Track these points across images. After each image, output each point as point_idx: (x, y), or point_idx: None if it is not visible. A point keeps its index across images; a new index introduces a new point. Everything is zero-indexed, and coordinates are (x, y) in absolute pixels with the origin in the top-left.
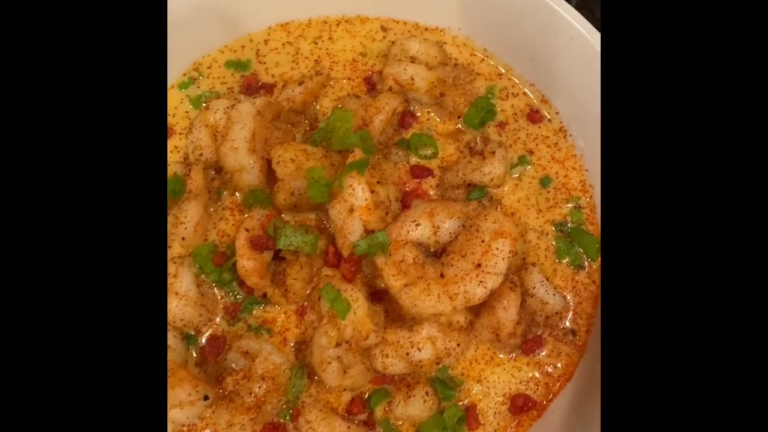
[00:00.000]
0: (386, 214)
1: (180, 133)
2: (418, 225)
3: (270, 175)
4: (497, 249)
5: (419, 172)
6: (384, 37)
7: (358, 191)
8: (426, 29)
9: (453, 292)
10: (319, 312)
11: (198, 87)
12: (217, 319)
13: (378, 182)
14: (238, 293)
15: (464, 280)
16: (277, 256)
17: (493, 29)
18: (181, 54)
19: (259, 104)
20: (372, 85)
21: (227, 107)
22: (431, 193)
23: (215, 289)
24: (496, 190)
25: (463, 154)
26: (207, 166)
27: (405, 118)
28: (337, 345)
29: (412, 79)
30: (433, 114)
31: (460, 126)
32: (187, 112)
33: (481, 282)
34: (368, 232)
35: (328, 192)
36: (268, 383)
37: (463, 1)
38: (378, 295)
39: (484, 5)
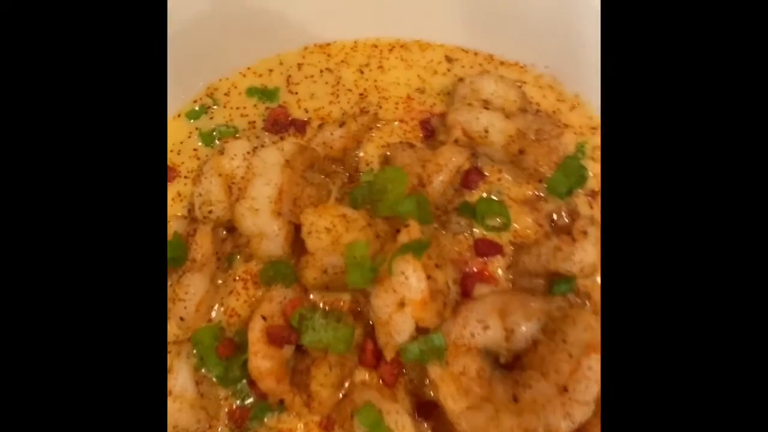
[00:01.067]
0: (444, 305)
1: (185, 177)
2: (486, 327)
3: (297, 242)
4: (589, 368)
5: (485, 249)
6: (448, 70)
7: (412, 281)
8: (502, 63)
9: (530, 426)
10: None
11: (211, 118)
12: (219, 428)
13: (436, 265)
14: (248, 396)
15: (545, 408)
16: (300, 348)
17: (587, 72)
18: (193, 74)
19: (289, 151)
20: (430, 132)
21: (248, 152)
22: (500, 276)
23: (218, 387)
24: (587, 281)
25: (543, 228)
26: (217, 225)
27: (470, 177)
28: None
29: (486, 131)
30: (505, 174)
31: (539, 192)
32: (195, 150)
33: (568, 414)
34: (420, 330)
35: (373, 277)
36: None
37: (552, 34)
38: (426, 409)
39: (578, 41)
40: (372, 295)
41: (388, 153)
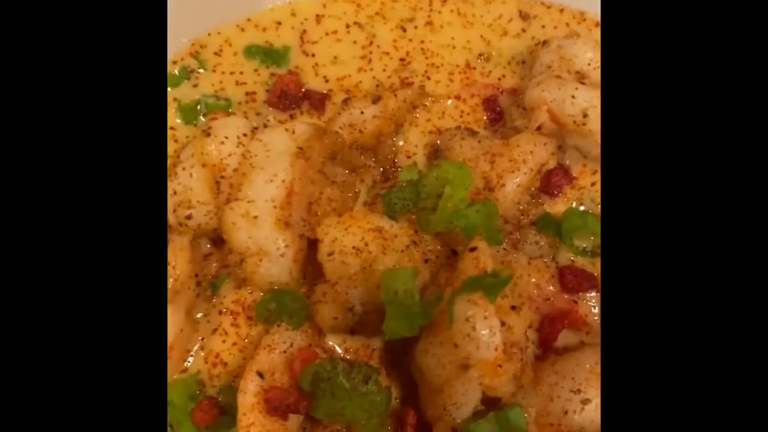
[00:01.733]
0: (521, 363)
1: None
2: (585, 401)
3: (310, 264)
4: None
5: (574, 281)
6: (523, 31)
7: (482, 334)
8: (597, 25)
9: None
10: None
11: (195, 86)
12: None
13: (512, 307)
14: None
15: None
16: (310, 418)
17: None
18: (173, 26)
19: (303, 135)
20: (497, 114)
21: (244, 134)
22: (594, 321)
23: None
24: None
25: None
26: (198, 235)
27: (553, 179)
28: None
29: (585, 116)
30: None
31: None
32: (172, 129)
33: None
34: (488, 402)
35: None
36: None
37: None
38: None
39: None
40: (420, 349)
41: (439, 142)
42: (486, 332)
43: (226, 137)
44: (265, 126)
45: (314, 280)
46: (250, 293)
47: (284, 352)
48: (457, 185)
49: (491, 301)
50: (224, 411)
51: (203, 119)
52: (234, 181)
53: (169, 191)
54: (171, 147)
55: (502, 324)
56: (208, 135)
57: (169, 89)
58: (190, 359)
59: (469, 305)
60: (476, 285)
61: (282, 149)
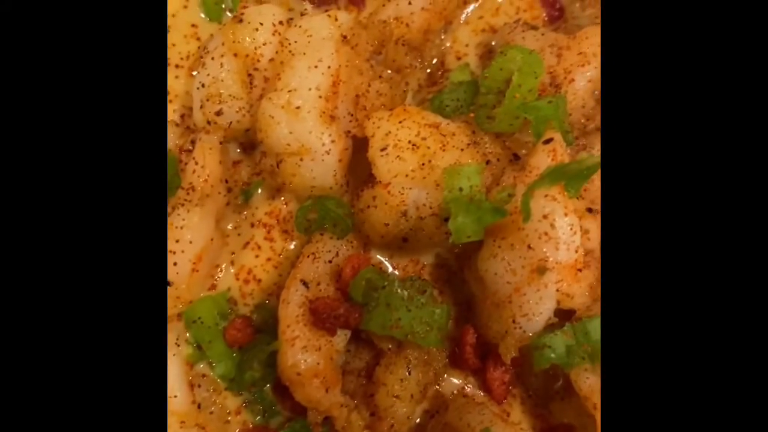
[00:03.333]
0: (596, 277)
1: (177, 66)
2: None
3: (357, 166)
4: None
5: None
6: None
7: (562, 231)
8: None
9: None
10: None
11: None
12: None
13: (589, 210)
14: (274, 410)
15: None
16: (359, 337)
17: None
18: None
19: (348, 24)
20: (558, 11)
21: (279, 21)
22: None
23: (226, 394)
24: None
25: None
26: (229, 138)
27: None
28: None
29: None
30: None
31: None
32: (194, 26)
33: None
34: (562, 315)
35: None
36: None
37: None
38: None
39: None
40: (483, 255)
41: (494, 43)
42: (567, 231)
43: (261, 24)
44: (302, 15)
45: (357, 189)
46: (286, 204)
47: (329, 261)
48: (525, 73)
49: (572, 195)
50: (259, 331)
51: (229, 15)
52: (269, 73)
53: (196, 84)
54: (193, 46)
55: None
56: (241, 21)
57: None
58: (220, 274)
59: (547, 201)
60: (557, 175)
61: (325, 35)
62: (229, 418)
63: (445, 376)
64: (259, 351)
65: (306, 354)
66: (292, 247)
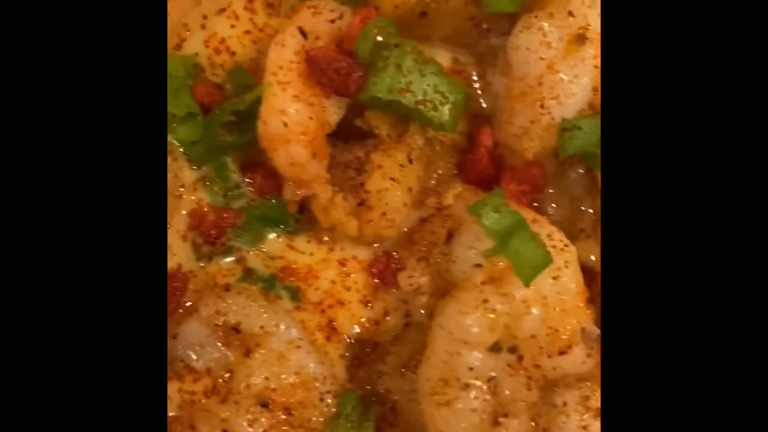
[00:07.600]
0: None
1: None
2: None
3: None
4: None
5: None
6: None
7: None
8: None
9: None
10: (437, 278)
11: None
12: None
13: None
14: (240, 190)
15: None
16: (349, 132)
17: None
18: None
19: None
20: None
21: None
22: None
23: (181, 161)
24: None
25: None
26: None
27: None
28: (494, 349)
29: None
30: None
31: None
32: None
33: None
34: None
35: None
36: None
37: None
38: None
39: None
40: (518, 29)
41: None
42: None
43: None
44: None
45: None
46: None
47: (332, 21)
48: None
49: None
50: (227, 93)
51: None
52: None
53: None
54: None
55: None
56: None
57: None
58: (187, 34)
59: None
60: None
61: None
62: (182, 191)
63: (450, 184)
64: (232, 105)
65: (297, 103)
66: (274, 24)
